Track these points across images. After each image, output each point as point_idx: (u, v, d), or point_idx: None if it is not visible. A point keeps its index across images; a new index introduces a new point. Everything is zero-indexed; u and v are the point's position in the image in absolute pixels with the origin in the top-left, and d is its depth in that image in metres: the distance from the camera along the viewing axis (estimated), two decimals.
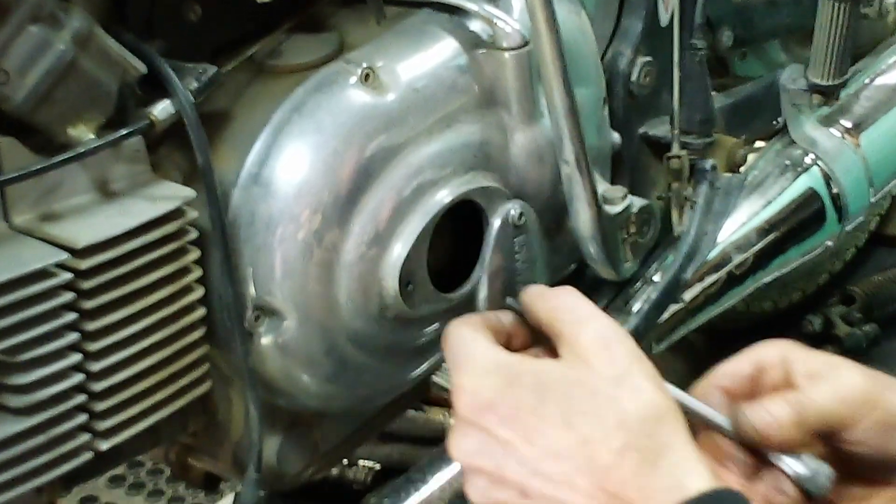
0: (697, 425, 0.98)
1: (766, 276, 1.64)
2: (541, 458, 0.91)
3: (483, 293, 1.27)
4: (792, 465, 0.96)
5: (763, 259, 1.61)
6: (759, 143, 1.72)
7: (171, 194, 1.15)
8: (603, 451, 0.89)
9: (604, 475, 0.88)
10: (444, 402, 1.95)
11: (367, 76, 1.23)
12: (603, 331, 0.95)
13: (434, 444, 1.79)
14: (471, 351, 0.98)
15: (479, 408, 0.94)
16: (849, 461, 0.99)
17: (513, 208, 1.28)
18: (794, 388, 0.98)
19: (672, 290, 1.50)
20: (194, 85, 1.15)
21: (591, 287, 1.46)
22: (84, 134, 1.10)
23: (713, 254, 1.57)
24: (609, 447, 0.89)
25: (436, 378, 1.33)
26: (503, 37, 1.28)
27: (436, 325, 1.32)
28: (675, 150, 1.52)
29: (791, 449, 0.96)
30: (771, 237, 1.62)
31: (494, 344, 1.00)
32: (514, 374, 0.94)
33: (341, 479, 1.91)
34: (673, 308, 1.52)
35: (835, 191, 1.68)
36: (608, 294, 1.50)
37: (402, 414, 1.70)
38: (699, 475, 0.88)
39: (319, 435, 1.35)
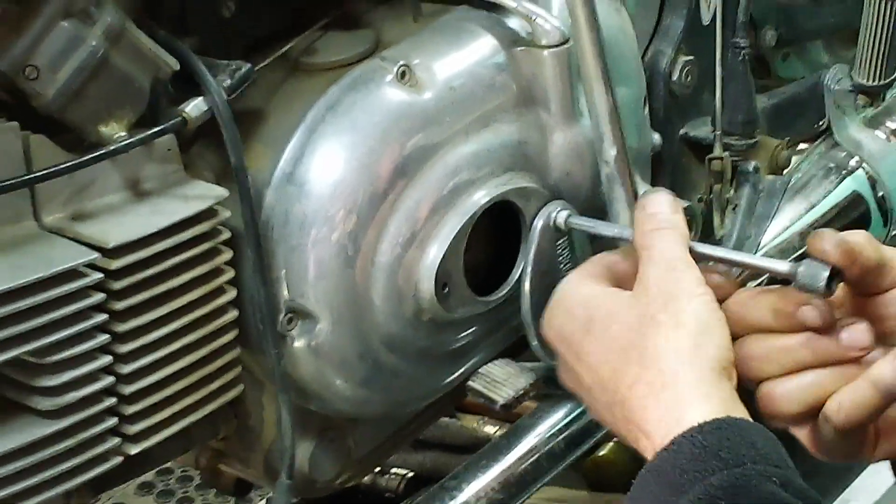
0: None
1: None
2: (591, 387, 1.02)
3: (527, 301, 1.24)
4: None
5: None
6: (802, 145, 1.69)
7: (204, 194, 1.13)
8: (622, 386, 0.97)
9: (626, 407, 0.96)
10: (479, 409, 1.92)
11: (403, 74, 1.20)
12: (663, 277, 1.00)
13: (468, 451, 1.77)
14: (560, 286, 1.08)
15: (551, 336, 1.06)
16: None
17: (555, 210, 1.25)
18: None
19: None
20: (227, 82, 1.13)
21: None
22: (115, 132, 1.09)
23: None
24: (626, 381, 0.97)
25: (472, 383, 1.30)
26: (542, 34, 1.25)
27: (472, 329, 1.29)
28: (717, 151, 1.50)
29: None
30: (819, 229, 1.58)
31: (585, 279, 1.06)
32: (572, 307, 1.04)
33: (374, 486, 1.89)
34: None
35: (880, 194, 1.65)
36: None
37: (437, 420, 1.67)
38: (700, 408, 0.92)
39: (353, 441, 1.33)
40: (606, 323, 1.00)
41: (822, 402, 0.98)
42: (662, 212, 1.04)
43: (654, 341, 0.96)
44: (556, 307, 1.06)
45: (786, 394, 0.98)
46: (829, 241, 0.99)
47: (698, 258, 1.04)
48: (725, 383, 0.94)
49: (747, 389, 1.00)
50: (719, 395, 0.93)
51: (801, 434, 1.02)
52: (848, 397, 0.98)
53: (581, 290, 1.05)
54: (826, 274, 0.98)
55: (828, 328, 0.99)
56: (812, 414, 0.99)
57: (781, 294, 1.01)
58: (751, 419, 0.93)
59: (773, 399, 0.99)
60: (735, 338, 1.00)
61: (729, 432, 0.91)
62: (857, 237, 1.01)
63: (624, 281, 1.05)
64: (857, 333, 0.98)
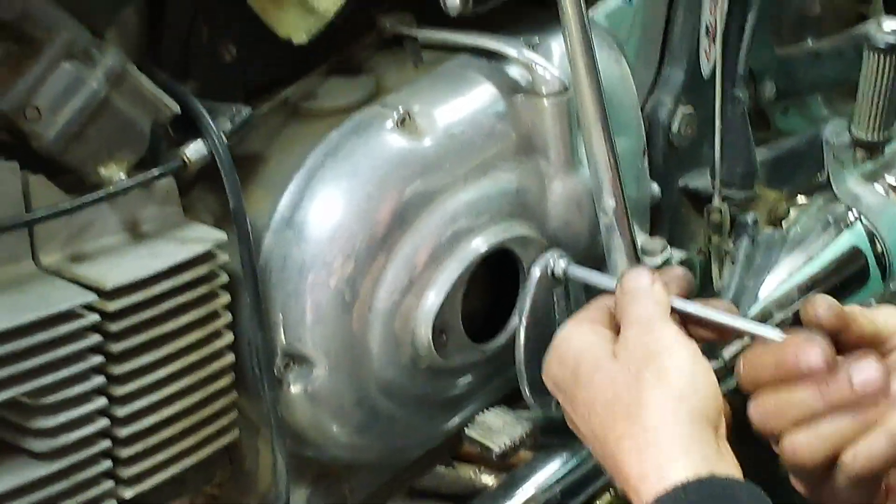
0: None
1: None
2: (586, 436, 1.02)
3: (521, 349, 1.24)
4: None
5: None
6: (801, 198, 1.69)
7: (202, 237, 1.13)
8: (611, 440, 0.98)
9: (615, 461, 0.97)
10: (475, 459, 1.91)
11: (403, 120, 1.21)
12: (641, 335, 1.01)
13: (464, 501, 1.76)
14: (558, 333, 1.08)
15: (548, 384, 1.07)
16: None
17: (552, 258, 1.25)
18: None
19: (711, 347, 1.46)
20: (228, 126, 1.14)
21: None
22: (115, 174, 1.09)
23: (753, 310, 1.54)
24: (613, 436, 0.97)
25: (468, 431, 1.29)
26: (542, 83, 1.26)
27: (469, 376, 1.29)
28: (716, 202, 1.50)
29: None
30: (813, 295, 1.58)
31: (581, 325, 1.07)
32: (564, 355, 1.05)
33: None
34: (713, 365, 1.49)
35: (879, 249, 1.65)
36: None
37: (433, 468, 1.67)
38: (683, 465, 0.92)
39: (348, 487, 1.33)
40: (591, 374, 1.01)
41: (846, 447, 0.98)
42: (640, 285, 1.05)
43: (639, 398, 0.97)
44: (552, 354, 1.06)
45: (807, 445, 0.98)
46: (822, 306, 1.00)
47: (688, 318, 1.05)
48: (711, 437, 0.94)
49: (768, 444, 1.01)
50: (703, 450, 0.93)
51: (810, 487, 1.02)
52: (864, 447, 0.98)
53: (573, 337, 1.05)
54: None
55: (833, 371, 0.98)
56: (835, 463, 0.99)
57: (780, 346, 1.01)
58: (738, 474, 0.93)
59: (795, 451, 0.98)
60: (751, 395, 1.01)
61: (712, 490, 0.91)
62: (852, 307, 1.02)
63: None
64: (866, 372, 0.96)
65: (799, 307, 1.45)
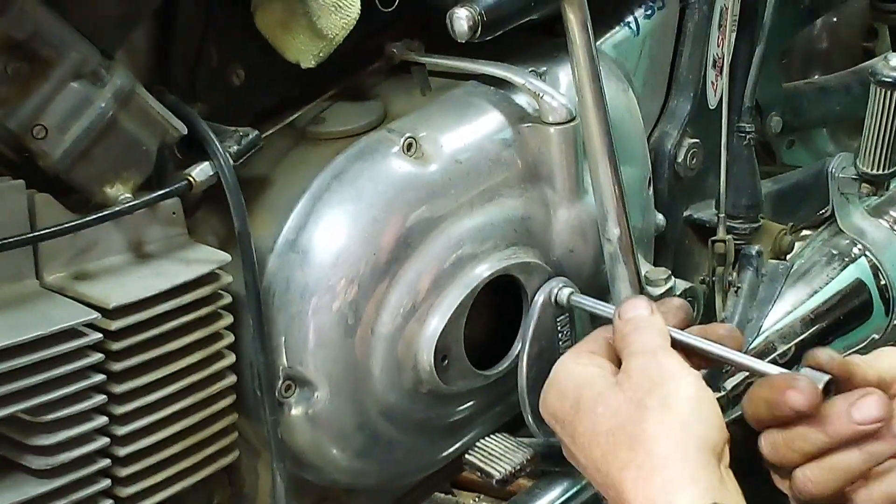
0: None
1: None
2: (586, 466, 1.02)
3: (523, 376, 1.24)
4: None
5: (807, 350, 1.58)
6: (805, 232, 1.69)
7: (206, 258, 1.13)
8: (613, 469, 0.97)
9: (618, 490, 0.97)
10: (475, 486, 1.91)
11: (409, 146, 1.21)
12: (645, 365, 1.01)
13: None
14: (556, 364, 1.08)
15: (546, 415, 1.07)
16: None
17: (557, 286, 1.25)
18: None
19: (714, 378, 1.47)
20: (234, 148, 1.14)
21: None
22: (121, 193, 1.09)
23: (757, 342, 1.54)
24: (616, 465, 0.97)
25: (469, 456, 1.29)
26: (549, 111, 1.26)
27: (471, 402, 1.29)
28: (721, 234, 1.51)
29: None
30: (816, 328, 1.59)
31: (580, 357, 1.07)
32: (563, 387, 1.05)
33: None
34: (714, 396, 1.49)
35: (882, 282, 1.66)
36: None
37: (432, 494, 1.66)
38: (689, 493, 0.92)
39: None
40: (593, 404, 1.01)
41: (854, 480, 0.99)
42: (639, 315, 1.05)
43: (643, 426, 0.97)
44: (550, 386, 1.07)
45: (818, 478, 0.98)
46: (825, 355, 1.00)
47: (686, 349, 1.05)
48: (714, 465, 0.95)
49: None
50: (708, 478, 0.93)
51: None
52: (880, 489, 0.99)
53: (573, 369, 1.05)
54: (824, 381, 0.98)
55: (816, 408, 0.98)
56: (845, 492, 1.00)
57: (769, 384, 1.01)
58: (741, 501, 0.93)
59: (805, 484, 0.99)
60: (762, 429, 1.01)
61: None
62: (853, 357, 1.02)
63: None
64: (866, 408, 0.97)
65: (801, 338, 1.46)
